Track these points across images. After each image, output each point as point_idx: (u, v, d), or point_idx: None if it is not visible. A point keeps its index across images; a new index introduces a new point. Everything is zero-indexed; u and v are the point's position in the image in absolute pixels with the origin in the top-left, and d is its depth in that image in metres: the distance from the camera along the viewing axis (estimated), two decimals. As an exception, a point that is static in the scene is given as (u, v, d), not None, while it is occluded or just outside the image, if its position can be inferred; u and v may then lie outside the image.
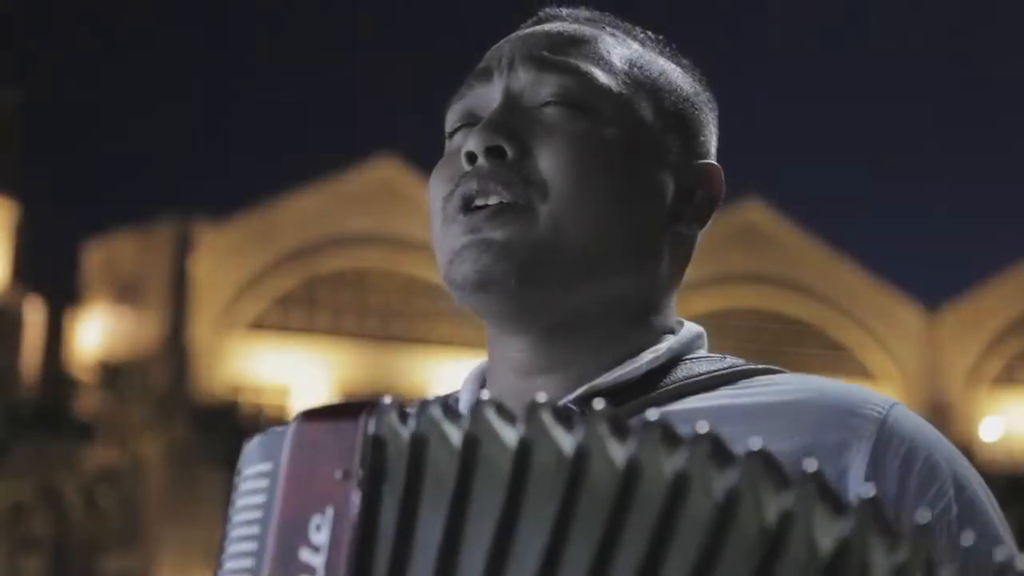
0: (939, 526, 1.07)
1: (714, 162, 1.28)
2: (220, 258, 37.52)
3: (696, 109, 1.28)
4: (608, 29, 1.27)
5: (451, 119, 1.24)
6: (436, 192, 1.21)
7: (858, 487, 1.06)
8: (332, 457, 0.92)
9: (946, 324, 44.13)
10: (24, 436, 29.79)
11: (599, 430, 0.85)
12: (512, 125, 1.18)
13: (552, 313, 1.18)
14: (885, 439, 1.10)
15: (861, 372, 42.61)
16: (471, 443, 0.88)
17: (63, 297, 38.56)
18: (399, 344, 38.45)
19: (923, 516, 0.80)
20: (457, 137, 1.23)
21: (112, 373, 34.17)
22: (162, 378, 33.93)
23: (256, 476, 0.98)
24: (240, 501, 0.99)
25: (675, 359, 1.20)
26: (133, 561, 30.43)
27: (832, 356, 42.85)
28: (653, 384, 1.17)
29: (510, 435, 0.87)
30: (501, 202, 1.16)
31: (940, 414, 41.78)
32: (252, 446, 1.00)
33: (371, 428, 0.92)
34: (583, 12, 1.30)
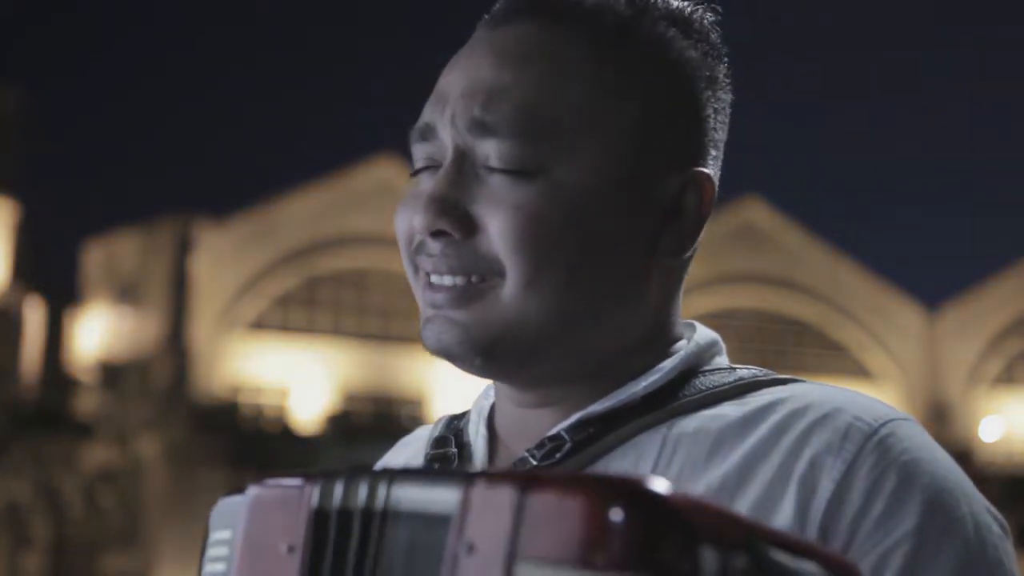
0: (894, 554, 1.03)
1: (705, 169, 1.16)
2: (220, 258, 37.50)
3: (686, 109, 1.16)
4: (578, 28, 1.13)
5: (415, 155, 1.16)
6: (400, 234, 1.16)
7: (820, 511, 1.04)
8: (280, 530, 0.97)
9: (946, 324, 44.11)
10: (24, 436, 29.79)
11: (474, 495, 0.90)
12: (457, 199, 1.10)
13: (529, 373, 1.15)
14: (862, 460, 1.05)
15: (861, 372, 42.59)
16: (374, 516, 0.93)
17: (63, 297, 38.56)
18: (399, 344, 38.42)
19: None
20: (422, 179, 1.15)
21: (112, 373, 34.16)
22: (162, 378, 33.90)
23: (218, 543, 1.03)
24: (205, 568, 1.04)
25: (686, 373, 1.15)
26: (133, 561, 30.43)
27: (832, 356, 42.83)
28: (653, 406, 1.13)
29: (405, 505, 0.92)
30: (460, 282, 1.11)
31: (940, 414, 41.77)
32: (217, 510, 1.06)
33: (314, 501, 0.96)
34: (563, 6, 1.15)
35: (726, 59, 1.21)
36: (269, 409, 37.18)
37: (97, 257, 39.39)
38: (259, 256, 38.12)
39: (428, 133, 1.14)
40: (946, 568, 1.03)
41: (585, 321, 1.12)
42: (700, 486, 1.07)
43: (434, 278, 1.13)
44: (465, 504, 0.87)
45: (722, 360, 1.20)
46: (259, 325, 38.23)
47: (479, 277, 1.11)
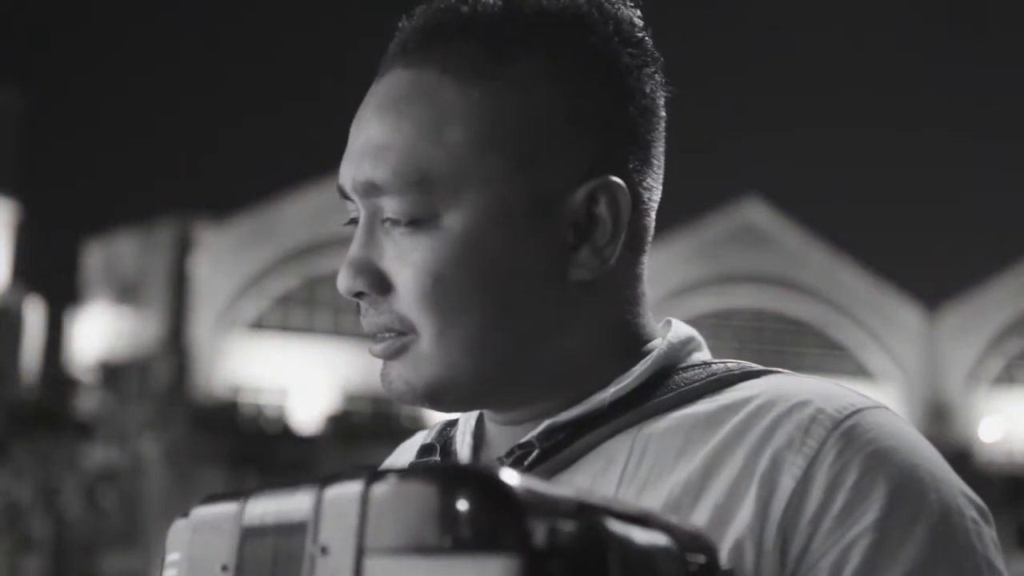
0: (853, 549, 0.99)
1: (613, 177, 1.11)
2: (220, 258, 37.52)
3: (582, 116, 1.11)
4: (450, 62, 1.11)
5: (346, 207, 1.18)
6: None
7: (779, 511, 1.01)
8: (216, 550, 0.99)
9: (946, 324, 44.14)
10: (24, 436, 29.81)
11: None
12: (369, 259, 1.13)
13: (487, 405, 1.16)
14: (824, 454, 1.02)
15: (861, 372, 42.61)
16: (280, 530, 0.94)
17: (63, 297, 38.64)
18: (399, 344, 38.42)
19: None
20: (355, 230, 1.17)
21: (112, 373, 34.20)
22: (162, 378, 33.94)
23: (170, 565, 1.06)
24: None
25: (661, 373, 1.13)
26: (133, 561, 30.44)
27: (832, 356, 42.86)
28: (624, 409, 1.11)
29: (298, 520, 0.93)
30: (389, 336, 1.13)
31: (940, 414, 41.80)
32: (171, 532, 1.07)
33: (245, 519, 0.97)
34: (435, 42, 1.12)
35: (640, 37, 1.15)
36: (269, 409, 37.20)
37: (97, 257, 39.41)
38: (259, 256, 38.14)
39: (344, 193, 1.17)
40: (908, 560, 0.99)
41: (520, 354, 1.12)
42: (667, 487, 1.05)
43: (375, 333, 1.15)
44: (318, 507, 0.89)
45: (699, 356, 1.16)
46: (259, 325, 38.26)
47: (402, 332, 1.12)
